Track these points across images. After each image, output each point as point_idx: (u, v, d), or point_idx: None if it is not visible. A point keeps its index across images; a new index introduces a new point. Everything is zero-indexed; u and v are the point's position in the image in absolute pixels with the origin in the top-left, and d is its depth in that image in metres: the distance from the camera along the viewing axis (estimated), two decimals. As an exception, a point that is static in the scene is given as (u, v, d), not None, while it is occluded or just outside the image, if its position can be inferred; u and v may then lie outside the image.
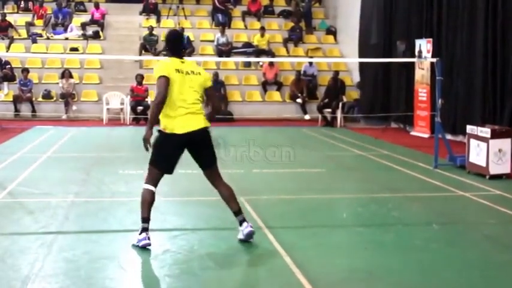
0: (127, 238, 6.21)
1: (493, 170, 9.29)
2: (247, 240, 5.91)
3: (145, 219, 5.76)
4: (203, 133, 5.87)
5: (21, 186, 8.55)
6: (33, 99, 18.09)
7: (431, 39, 14.61)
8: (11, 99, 17.94)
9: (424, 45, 14.66)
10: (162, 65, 5.84)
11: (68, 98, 18.01)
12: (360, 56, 18.70)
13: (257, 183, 9.10)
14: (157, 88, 5.67)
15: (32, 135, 14.37)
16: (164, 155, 5.81)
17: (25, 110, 18.10)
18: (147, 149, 5.69)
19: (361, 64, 18.88)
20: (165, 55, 5.94)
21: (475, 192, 8.40)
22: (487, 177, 9.28)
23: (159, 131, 5.78)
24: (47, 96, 18.45)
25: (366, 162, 11.23)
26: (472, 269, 5.39)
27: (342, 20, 22.18)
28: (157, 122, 5.75)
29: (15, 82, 18.44)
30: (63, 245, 5.87)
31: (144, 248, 5.71)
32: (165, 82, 5.66)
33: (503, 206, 7.61)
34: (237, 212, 5.99)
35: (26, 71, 18.28)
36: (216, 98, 6.53)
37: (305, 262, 5.36)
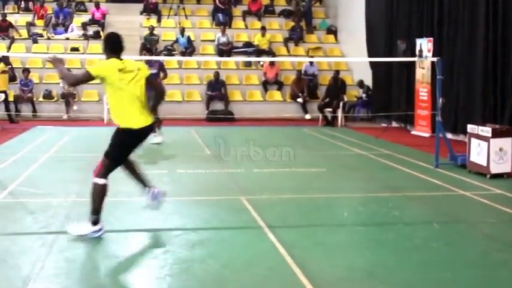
0: (127, 238, 6.22)
1: (494, 169, 9.29)
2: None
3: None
4: (150, 129, 6.18)
5: (22, 186, 8.55)
6: (34, 99, 18.11)
7: (431, 38, 14.61)
8: (12, 100, 17.94)
9: (424, 44, 14.67)
10: (103, 64, 6.03)
11: (68, 98, 18.02)
12: (369, 55, 18.63)
13: (258, 182, 9.10)
14: (80, 75, 6.06)
15: (33, 135, 14.38)
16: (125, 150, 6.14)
17: (26, 110, 18.10)
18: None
19: (372, 64, 18.81)
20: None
21: (476, 192, 8.40)
22: (488, 176, 9.28)
23: (118, 128, 6.04)
24: (48, 96, 18.47)
25: (366, 162, 11.22)
26: (473, 268, 5.39)
27: (343, 20, 22.19)
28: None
29: (16, 82, 18.45)
30: (64, 244, 5.87)
31: (146, 246, 5.76)
32: (89, 78, 5.93)
33: (504, 205, 7.61)
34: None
35: (26, 71, 18.29)
36: (157, 85, 6.84)
37: (306, 261, 5.36)
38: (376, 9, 18.51)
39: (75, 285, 4.82)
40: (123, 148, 6.10)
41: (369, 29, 18.95)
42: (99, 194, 5.98)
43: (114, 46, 6.11)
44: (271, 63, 19.61)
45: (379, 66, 17.93)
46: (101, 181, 6.01)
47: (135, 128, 5.97)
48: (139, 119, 6.00)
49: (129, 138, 6.05)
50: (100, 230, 6.02)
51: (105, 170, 6.02)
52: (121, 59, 6.05)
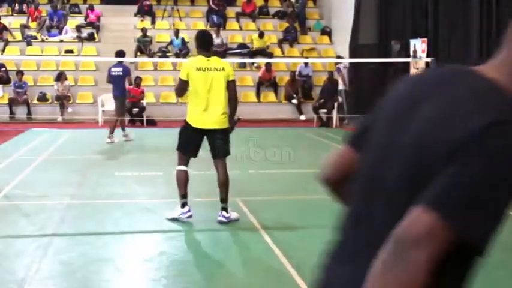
0: (123, 240, 6.22)
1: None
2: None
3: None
4: (213, 132, 6.65)
5: (16, 188, 8.53)
6: (30, 101, 18.05)
7: (426, 39, 14.64)
8: (7, 102, 17.91)
9: (419, 45, 14.70)
10: (185, 64, 6.68)
11: (63, 100, 17.98)
12: (351, 56, 18.69)
13: (253, 184, 9.11)
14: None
15: (28, 137, 14.34)
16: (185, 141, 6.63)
17: (20, 112, 18.06)
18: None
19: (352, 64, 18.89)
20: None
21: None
22: (483, 176, 9.28)
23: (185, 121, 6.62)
24: (42, 98, 18.42)
25: (361, 162, 11.21)
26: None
27: (337, 20, 22.20)
28: None
29: (9, 85, 18.40)
30: (59, 247, 5.86)
31: (141, 248, 5.73)
32: (182, 84, 6.56)
33: (499, 205, 7.61)
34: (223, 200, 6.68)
35: (20, 73, 18.24)
36: (230, 94, 7.15)
37: (301, 263, 5.35)
38: (363, 8, 18.63)
39: (70, 287, 4.81)
40: (181, 137, 6.61)
41: (354, 30, 19.03)
42: (179, 179, 6.57)
43: (201, 44, 6.65)
44: (268, 69, 19.51)
45: (360, 68, 17.99)
46: (178, 167, 6.59)
47: (191, 124, 6.52)
48: (197, 119, 6.57)
49: (187, 131, 6.55)
50: (188, 211, 6.58)
51: (178, 158, 6.61)
52: (208, 57, 6.60)
